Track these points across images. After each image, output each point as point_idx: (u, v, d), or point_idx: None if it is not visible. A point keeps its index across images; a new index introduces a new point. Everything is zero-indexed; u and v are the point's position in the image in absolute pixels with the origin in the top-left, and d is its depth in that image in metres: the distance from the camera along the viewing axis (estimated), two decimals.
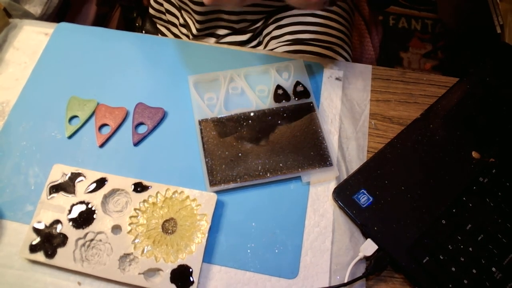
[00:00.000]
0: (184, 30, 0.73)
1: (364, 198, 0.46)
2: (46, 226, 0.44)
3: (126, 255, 0.43)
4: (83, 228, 0.44)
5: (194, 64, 0.56)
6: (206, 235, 0.43)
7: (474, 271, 0.42)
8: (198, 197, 0.45)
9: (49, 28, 0.60)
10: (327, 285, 0.43)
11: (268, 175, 0.48)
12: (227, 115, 0.52)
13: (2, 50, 0.58)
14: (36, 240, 0.44)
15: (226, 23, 0.68)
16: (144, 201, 0.46)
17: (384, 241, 0.44)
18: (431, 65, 1.41)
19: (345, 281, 0.43)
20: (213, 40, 0.72)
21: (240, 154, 0.49)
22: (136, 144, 0.51)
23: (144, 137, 0.51)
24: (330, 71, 0.56)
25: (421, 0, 1.53)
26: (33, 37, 0.59)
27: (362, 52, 0.77)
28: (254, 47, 0.71)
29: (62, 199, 0.46)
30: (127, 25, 0.83)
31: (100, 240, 0.44)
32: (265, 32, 0.70)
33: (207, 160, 0.49)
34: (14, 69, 0.57)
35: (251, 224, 0.46)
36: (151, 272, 0.43)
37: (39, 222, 0.44)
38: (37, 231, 0.44)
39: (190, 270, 0.42)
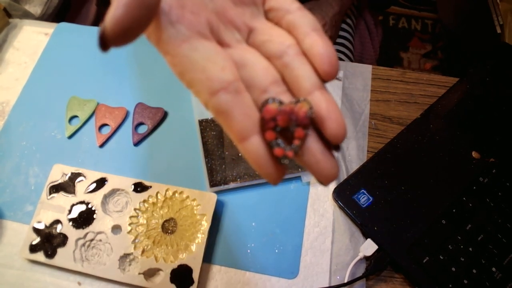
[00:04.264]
0: None
1: (364, 198, 0.46)
2: (46, 226, 0.44)
3: (126, 255, 0.43)
4: (83, 228, 0.44)
5: None
6: (206, 235, 0.43)
7: (474, 271, 0.42)
8: (198, 197, 0.45)
9: (49, 28, 0.60)
10: (327, 285, 0.43)
11: None
12: None
13: (2, 50, 0.58)
14: (36, 240, 0.44)
15: None
16: (144, 201, 0.46)
17: (384, 241, 0.44)
18: (431, 65, 1.41)
19: (345, 281, 0.43)
20: None
21: (240, 154, 0.49)
22: (136, 144, 0.51)
23: (144, 137, 0.51)
24: None
25: (421, 0, 1.53)
26: (33, 37, 0.59)
27: (362, 52, 0.77)
28: None
29: (62, 199, 0.46)
30: None
31: (100, 240, 0.44)
32: None
33: (207, 160, 0.49)
34: (14, 69, 0.57)
35: (251, 224, 0.46)
36: (151, 272, 0.43)
37: (39, 222, 0.44)
38: (37, 231, 0.44)
39: (190, 270, 0.42)
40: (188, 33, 0.20)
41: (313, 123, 0.20)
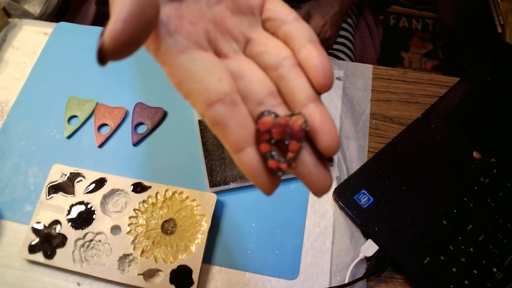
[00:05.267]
0: None
1: (364, 199, 0.46)
2: (45, 227, 0.44)
3: (126, 255, 0.43)
4: (82, 229, 0.44)
5: None
6: (206, 235, 0.43)
7: (475, 271, 0.42)
8: (197, 198, 0.45)
9: (48, 28, 0.60)
10: (328, 286, 0.43)
11: None
12: None
13: (1, 50, 0.58)
14: (35, 240, 0.43)
15: None
16: (144, 201, 0.45)
17: (385, 241, 0.44)
18: (432, 64, 1.41)
19: (346, 281, 0.43)
20: None
21: None
22: (135, 144, 0.51)
23: (143, 137, 0.51)
24: None
25: None
26: (32, 37, 0.59)
27: (363, 52, 0.76)
28: None
29: (61, 199, 0.45)
30: None
31: (100, 241, 0.44)
32: None
33: (207, 160, 0.48)
34: (13, 69, 0.57)
35: (251, 224, 0.46)
36: (150, 272, 0.42)
37: (38, 222, 0.44)
38: (36, 231, 0.44)
39: (190, 270, 0.42)
40: (186, 43, 0.20)
41: (307, 136, 0.21)
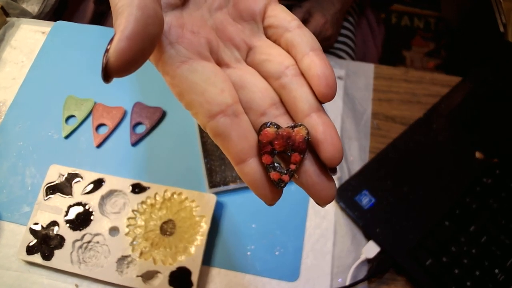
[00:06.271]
0: None
1: (366, 199, 0.46)
2: (43, 228, 0.44)
3: (124, 257, 0.42)
4: (80, 230, 0.43)
5: None
6: (206, 237, 0.43)
7: (477, 273, 0.41)
8: (197, 198, 0.45)
9: (46, 27, 0.59)
10: None
11: None
12: None
13: None
14: (33, 241, 0.43)
15: None
16: (142, 202, 0.45)
17: (387, 242, 0.43)
18: (434, 63, 1.40)
19: (347, 283, 0.42)
20: None
21: None
22: (134, 144, 0.50)
23: (142, 137, 0.50)
24: None
25: None
26: (30, 36, 0.59)
27: (365, 51, 0.76)
28: None
29: (59, 200, 0.45)
30: None
31: (98, 242, 0.43)
32: None
33: (206, 160, 0.48)
34: (11, 68, 0.56)
35: (251, 225, 0.46)
36: (149, 274, 0.42)
37: (36, 223, 0.44)
38: (34, 232, 0.44)
39: (189, 272, 0.41)
40: (188, 54, 0.20)
41: (310, 146, 0.20)
